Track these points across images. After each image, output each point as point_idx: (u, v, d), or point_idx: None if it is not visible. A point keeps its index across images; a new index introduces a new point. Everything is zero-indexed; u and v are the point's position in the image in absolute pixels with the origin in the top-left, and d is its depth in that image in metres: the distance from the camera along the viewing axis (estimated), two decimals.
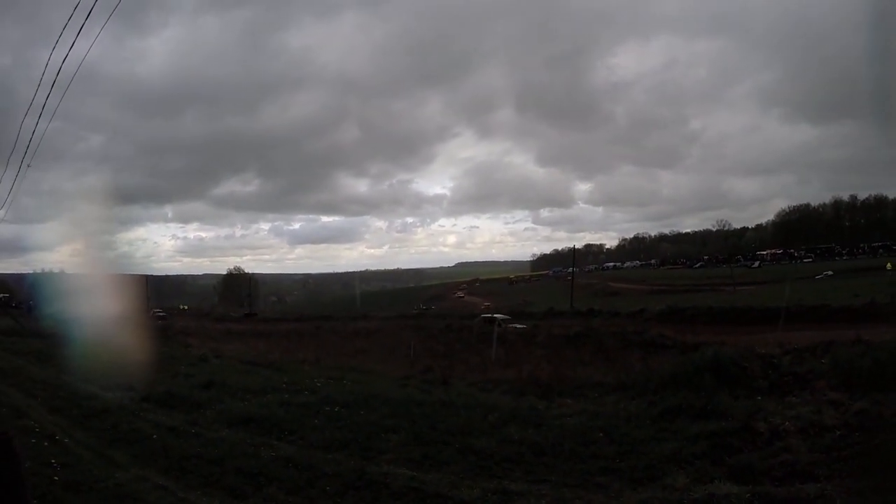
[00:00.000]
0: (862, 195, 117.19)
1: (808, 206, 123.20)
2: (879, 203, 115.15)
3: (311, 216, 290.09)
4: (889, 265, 70.66)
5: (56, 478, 7.67)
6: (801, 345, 15.87)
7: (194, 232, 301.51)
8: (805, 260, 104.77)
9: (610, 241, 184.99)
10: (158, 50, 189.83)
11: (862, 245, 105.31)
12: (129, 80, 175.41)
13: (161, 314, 64.99)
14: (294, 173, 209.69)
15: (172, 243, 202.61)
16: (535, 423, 10.71)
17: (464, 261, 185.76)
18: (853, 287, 45.11)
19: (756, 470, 7.93)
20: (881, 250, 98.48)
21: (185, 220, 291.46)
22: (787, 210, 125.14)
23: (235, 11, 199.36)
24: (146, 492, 7.59)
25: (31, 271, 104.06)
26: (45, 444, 9.35)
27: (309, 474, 8.29)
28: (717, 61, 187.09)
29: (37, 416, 11.39)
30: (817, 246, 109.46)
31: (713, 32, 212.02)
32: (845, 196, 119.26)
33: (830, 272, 79.64)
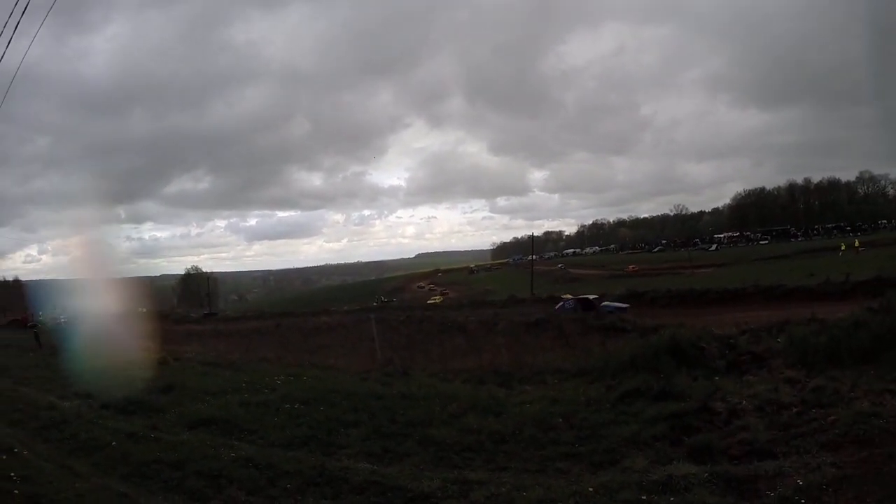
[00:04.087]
0: (815, 178, 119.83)
1: (763, 189, 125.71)
2: (833, 186, 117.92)
3: (266, 212, 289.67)
4: (843, 246, 72.15)
5: (16, 491, 7.58)
6: (758, 324, 16.14)
7: (149, 232, 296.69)
8: (761, 242, 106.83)
9: (569, 227, 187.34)
10: (102, 48, 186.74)
11: (816, 226, 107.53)
12: (73, 80, 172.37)
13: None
14: (246, 169, 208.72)
15: (127, 244, 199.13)
16: (495, 411, 10.73)
17: (424, 252, 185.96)
18: (808, 267, 46.12)
19: (714, 449, 8.05)
20: (835, 231, 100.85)
21: (138, 220, 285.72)
22: (743, 193, 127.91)
23: (179, 6, 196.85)
24: (107, 500, 7.56)
25: None
26: (4, 457, 9.18)
27: (269, 473, 8.25)
28: (666, 47, 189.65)
29: None
30: (773, 228, 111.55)
31: (661, 19, 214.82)
32: (799, 179, 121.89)
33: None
